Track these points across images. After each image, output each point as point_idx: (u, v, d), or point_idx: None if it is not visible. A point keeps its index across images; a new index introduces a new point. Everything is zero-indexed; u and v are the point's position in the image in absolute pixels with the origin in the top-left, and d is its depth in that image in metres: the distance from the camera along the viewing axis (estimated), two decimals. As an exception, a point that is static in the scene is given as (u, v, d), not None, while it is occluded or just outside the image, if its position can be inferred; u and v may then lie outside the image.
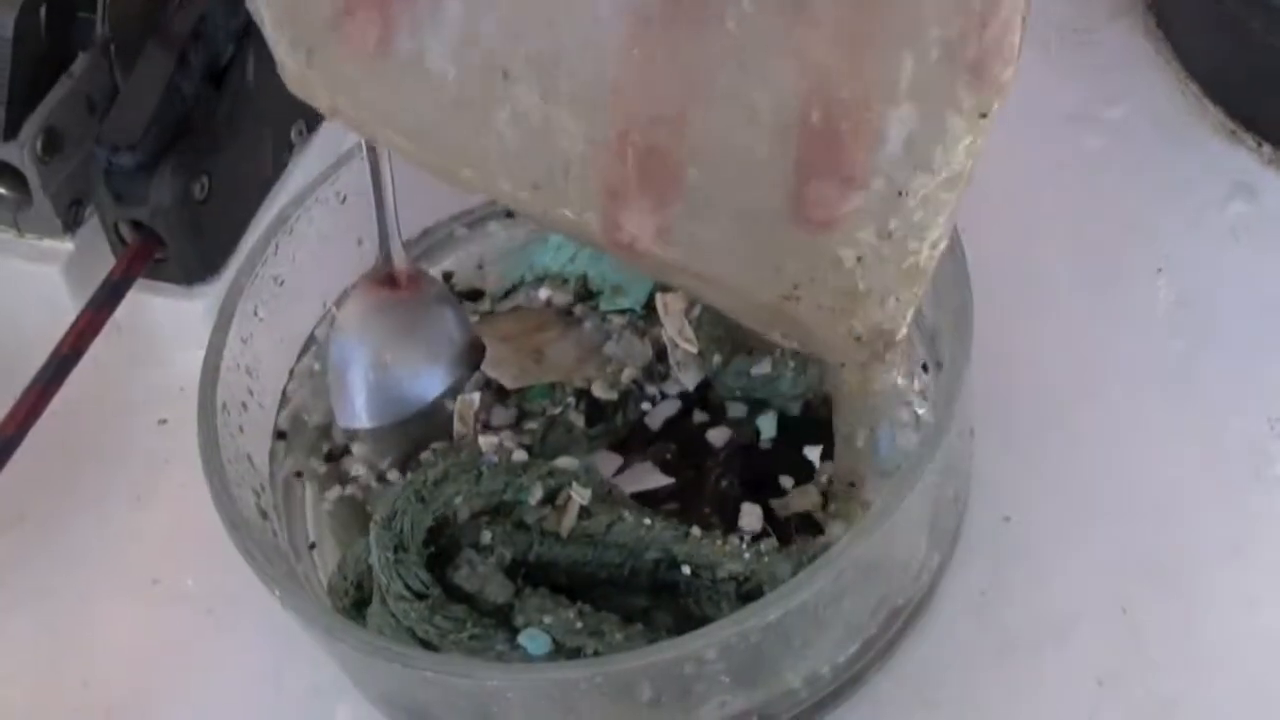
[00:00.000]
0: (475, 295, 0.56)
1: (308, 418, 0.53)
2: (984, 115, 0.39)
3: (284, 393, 0.54)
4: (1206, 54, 0.60)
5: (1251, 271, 0.56)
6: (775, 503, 0.48)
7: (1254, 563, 0.50)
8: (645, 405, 0.51)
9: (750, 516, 0.48)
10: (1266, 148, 0.58)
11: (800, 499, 0.49)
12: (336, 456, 0.52)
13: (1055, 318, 0.56)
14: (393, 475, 0.51)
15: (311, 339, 0.55)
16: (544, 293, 0.54)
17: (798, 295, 0.42)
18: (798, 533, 0.48)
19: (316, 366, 0.54)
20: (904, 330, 0.43)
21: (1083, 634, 0.49)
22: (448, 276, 0.56)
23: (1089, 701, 0.48)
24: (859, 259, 0.41)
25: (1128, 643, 0.48)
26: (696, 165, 0.41)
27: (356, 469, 0.52)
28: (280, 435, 0.53)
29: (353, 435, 0.52)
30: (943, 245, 0.42)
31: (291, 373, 0.54)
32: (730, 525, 0.47)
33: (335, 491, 0.52)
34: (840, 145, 0.40)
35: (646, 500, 0.48)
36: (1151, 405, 0.54)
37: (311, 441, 0.53)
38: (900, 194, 0.40)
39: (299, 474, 0.53)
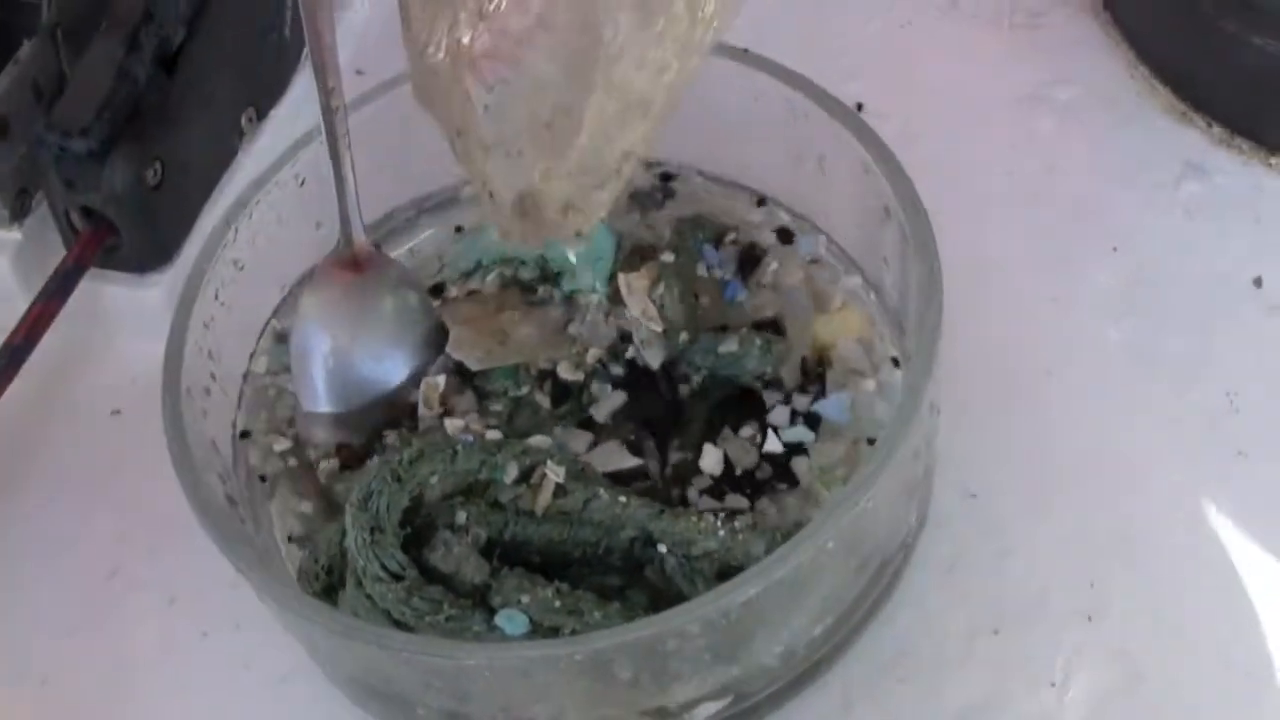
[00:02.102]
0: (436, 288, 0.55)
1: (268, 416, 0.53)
2: None
3: (241, 392, 0.53)
4: (1156, 36, 0.61)
5: (1204, 248, 0.57)
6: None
7: (1217, 533, 0.50)
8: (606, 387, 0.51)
9: (710, 458, 0.48)
10: (1216, 128, 0.59)
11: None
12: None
13: (1013, 297, 0.56)
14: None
15: (264, 330, 0.54)
16: (504, 274, 0.54)
17: None
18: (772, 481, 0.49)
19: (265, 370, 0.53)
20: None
21: (1051, 607, 0.49)
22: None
23: (1059, 673, 0.48)
24: None
25: (1096, 615, 0.49)
26: None
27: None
28: (245, 434, 0.52)
29: (314, 420, 0.51)
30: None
31: (246, 375, 0.53)
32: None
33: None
34: None
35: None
36: (1111, 381, 0.54)
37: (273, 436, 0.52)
38: None
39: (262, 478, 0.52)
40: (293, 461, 0.51)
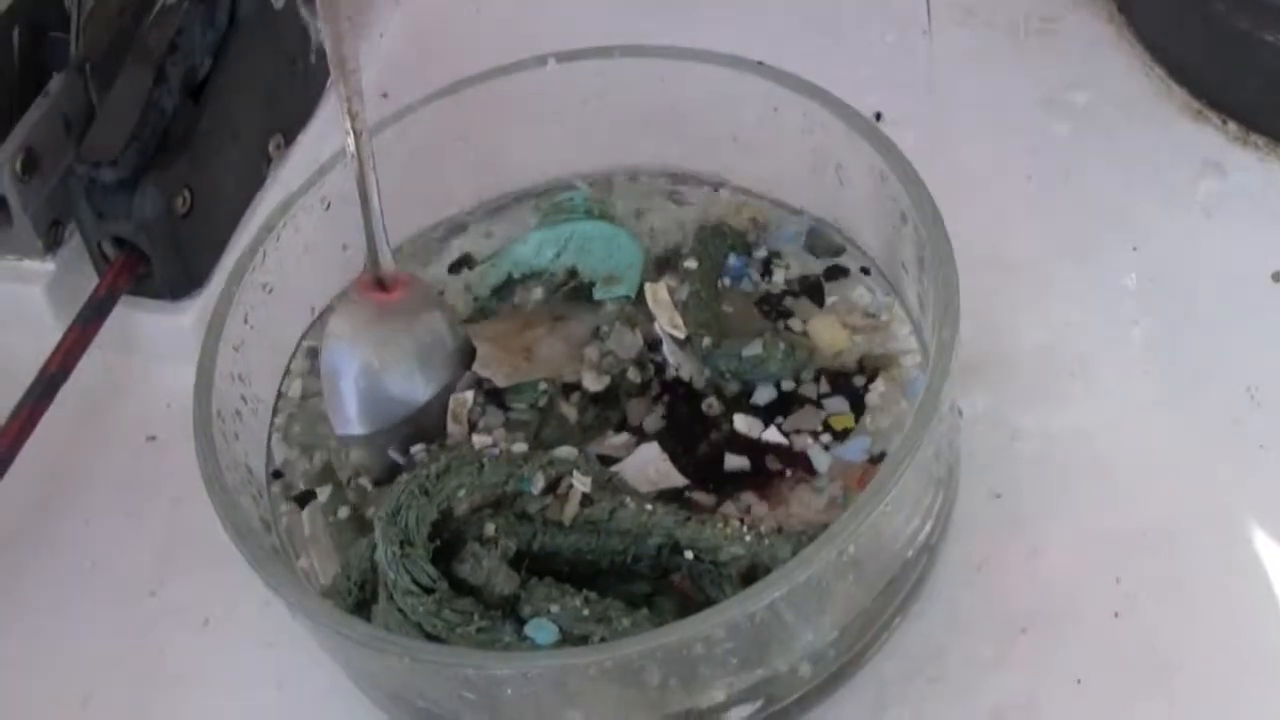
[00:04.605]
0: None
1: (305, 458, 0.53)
2: None
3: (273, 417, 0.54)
4: (1170, 36, 0.61)
5: (1223, 245, 0.57)
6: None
7: (1241, 527, 0.50)
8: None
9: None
10: (1232, 125, 0.59)
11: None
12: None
13: (1035, 298, 0.57)
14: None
15: (295, 353, 0.55)
16: (534, 290, 0.55)
17: None
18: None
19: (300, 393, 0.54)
20: None
21: (1078, 604, 0.50)
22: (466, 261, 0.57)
23: (1087, 670, 0.48)
24: None
25: (1123, 611, 0.49)
26: None
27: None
28: (277, 475, 0.53)
29: (347, 442, 0.52)
30: None
31: (279, 399, 0.54)
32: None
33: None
34: None
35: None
36: (1132, 379, 0.55)
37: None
38: None
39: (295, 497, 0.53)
40: (327, 485, 0.52)
